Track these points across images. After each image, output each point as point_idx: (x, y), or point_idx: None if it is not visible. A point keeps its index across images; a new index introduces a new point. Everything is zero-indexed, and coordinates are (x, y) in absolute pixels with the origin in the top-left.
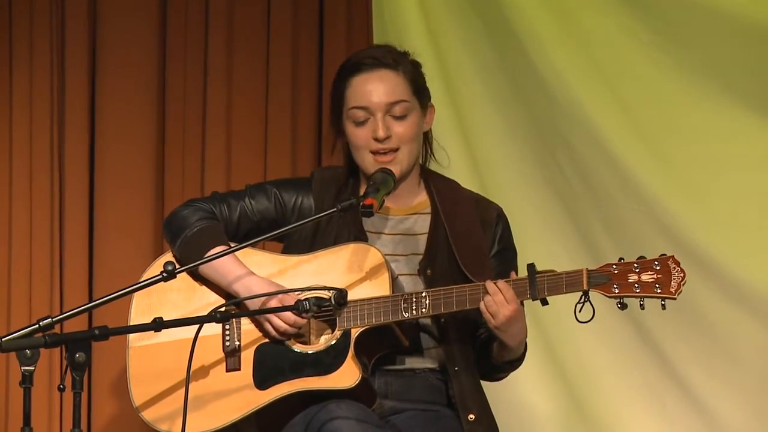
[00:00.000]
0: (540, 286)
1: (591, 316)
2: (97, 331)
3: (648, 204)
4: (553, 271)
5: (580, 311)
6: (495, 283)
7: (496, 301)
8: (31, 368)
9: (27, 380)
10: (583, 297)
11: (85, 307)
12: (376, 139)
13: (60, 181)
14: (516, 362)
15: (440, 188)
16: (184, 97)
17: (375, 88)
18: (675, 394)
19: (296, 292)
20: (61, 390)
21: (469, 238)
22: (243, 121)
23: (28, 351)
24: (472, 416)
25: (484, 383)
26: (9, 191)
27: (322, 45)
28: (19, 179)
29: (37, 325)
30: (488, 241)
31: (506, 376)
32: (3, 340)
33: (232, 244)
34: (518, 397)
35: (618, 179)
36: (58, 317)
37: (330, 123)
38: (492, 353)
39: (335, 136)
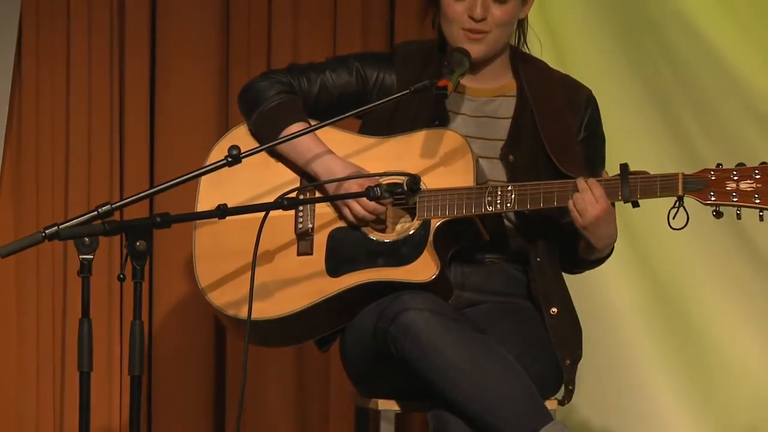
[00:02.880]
0: (633, 187)
1: (684, 223)
2: (158, 218)
3: (741, 90)
4: (646, 172)
5: (674, 218)
6: (585, 180)
7: (585, 198)
8: (90, 257)
9: (85, 269)
10: (677, 202)
11: (146, 192)
12: (472, 18)
13: (120, 61)
14: (601, 261)
15: (528, 70)
16: None
17: None
18: None
19: (375, 177)
20: (121, 279)
21: (557, 123)
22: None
23: (86, 239)
24: (554, 310)
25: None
26: (66, 72)
27: None
28: (78, 60)
29: (96, 212)
30: (576, 126)
31: (585, 271)
32: (60, 227)
33: (312, 121)
34: (601, 294)
35: (710, 65)
36: (118, 204)
37: None
38: (577, 249)
39: (427, 3)
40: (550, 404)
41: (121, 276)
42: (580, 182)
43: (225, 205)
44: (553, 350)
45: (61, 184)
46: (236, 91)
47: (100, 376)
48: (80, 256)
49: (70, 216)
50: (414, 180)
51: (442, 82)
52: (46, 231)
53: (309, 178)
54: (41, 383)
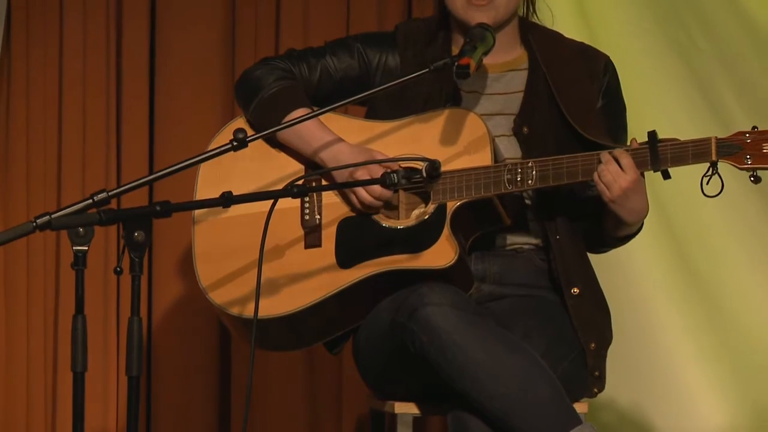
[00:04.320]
0: (663, 155)
1: (719, 190)
2: (158, 207)
3: None
4: (676, 139)
5: (707, 184)
6: (610, 152)
7: (611, 170)
8: (85, 248)
9: (80, 262)
10: (711, 169)
11: (145, 179)
12: None
13: (117, 38)
14: (630, 237)
15: (539, 40)
16: None
17: None
18: None
19: (386, 163)
20: (118, 273)
21: (575, 89)
22: None
23: (80, 229)
24: (575, 290)
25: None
26: (59, 49)
27: None
28: (72, 36)
29: (90, 200)
30: (594, 93)
31: (611, 250)
32: (53, 216)
33: (314, 108)
34: (629, 272)
35: (750, 40)
36: (115, 191)
37: None
38: (604, 226)
39: None
40: (579, 406)
41: (118, 269)
42: (604, 154)
43: (230, 192)
44: (582, 348)
45: (54, 170)
46: (242, 69)
47: (95, 377)
48: (74, 248)
49: (63, 204)
50: (433, 165)
51: (463, 60)
52: (37, 220)
53: (315, 168)
54: (32, 384)
